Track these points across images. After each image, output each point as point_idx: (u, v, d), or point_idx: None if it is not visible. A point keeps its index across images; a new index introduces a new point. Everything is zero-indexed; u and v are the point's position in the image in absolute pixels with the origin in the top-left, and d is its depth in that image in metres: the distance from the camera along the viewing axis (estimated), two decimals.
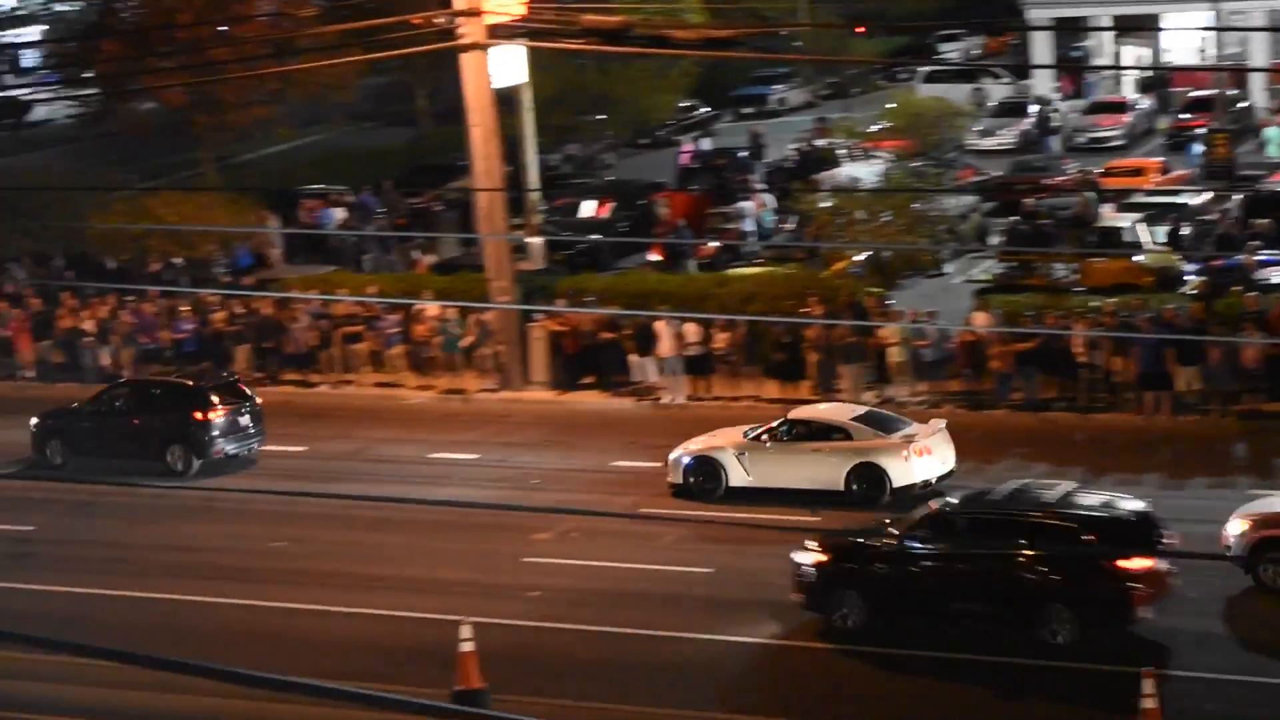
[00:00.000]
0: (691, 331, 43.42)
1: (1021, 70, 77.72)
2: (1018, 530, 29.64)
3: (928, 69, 79.41)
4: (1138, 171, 59.11)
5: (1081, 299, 43.65)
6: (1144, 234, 48.64)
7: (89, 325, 49.11)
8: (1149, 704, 24.52)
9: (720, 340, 43.47)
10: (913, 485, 35.98)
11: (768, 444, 37.20)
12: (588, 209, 57.72)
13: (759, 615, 30.80)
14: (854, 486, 36.21)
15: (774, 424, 37.66)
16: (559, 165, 67.48)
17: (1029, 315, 41.72)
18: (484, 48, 43.82)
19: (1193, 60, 75.19)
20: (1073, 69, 75.94)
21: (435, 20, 43.92)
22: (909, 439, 36.34)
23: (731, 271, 49.61)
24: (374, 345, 47.15)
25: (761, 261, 51.39)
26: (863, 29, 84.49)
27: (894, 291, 46.71)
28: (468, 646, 27.74)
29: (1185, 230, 49.76)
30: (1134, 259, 47.16)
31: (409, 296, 46.53)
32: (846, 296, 44.51)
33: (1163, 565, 29.36)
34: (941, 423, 37.50)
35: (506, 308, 44.33)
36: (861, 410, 38.09)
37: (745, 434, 37.53)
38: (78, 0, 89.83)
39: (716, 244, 52.91)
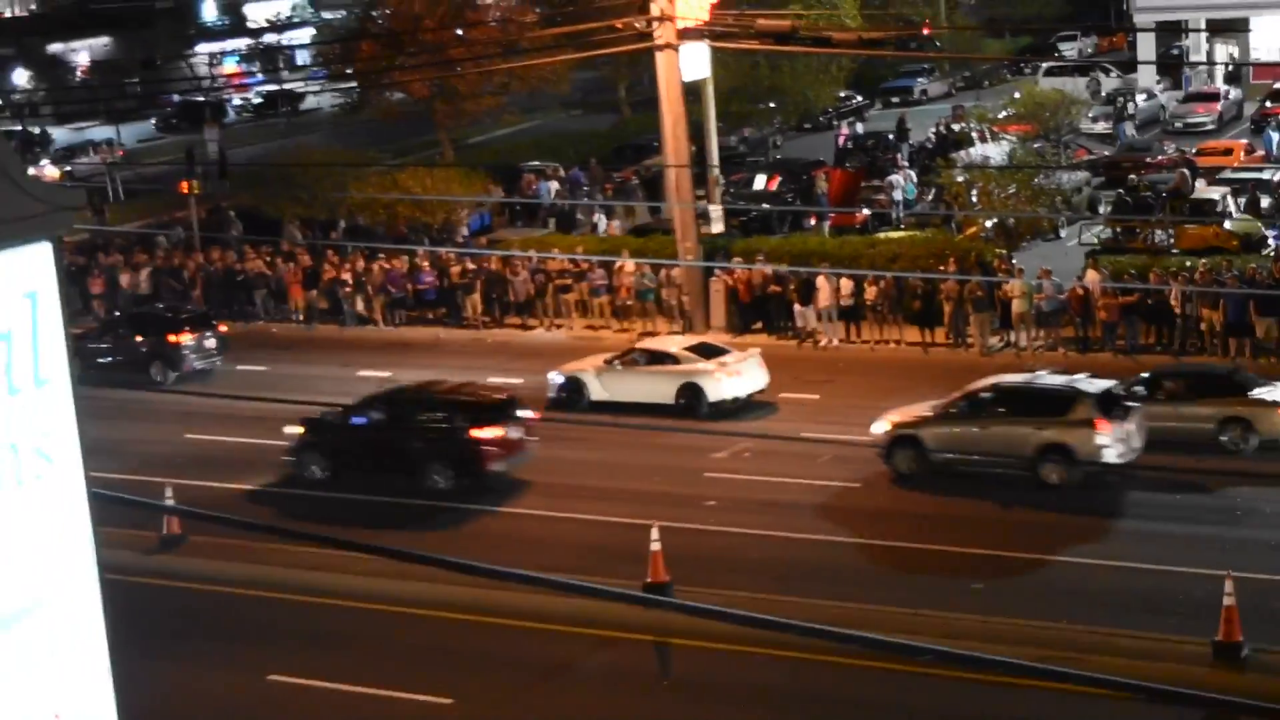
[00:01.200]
0: (846, 285, 43.25)
1: (1128, 65, 76.41)
2: (414, 408, 33.87)
3: (1048, 64, 78.20)
4: (1227, 152, 58.03)
5: (1178, 259, 42.97)
6: (1231, 205, 47.89)
7: (348, 277, 49.70)
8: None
9: (870, 293, 43.23)
10: (723, 401, 37.42)
11: (619, 368, 38.28)
12: (759, 182, 57.48)
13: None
14: (680, 401, 37.52)
15: (624, 352, 38.89)
16: (736, 146, 67.20)
17: (1132, 273, 41.14)
18: (675, 47, 43.77)
19: (1277, 57, 73.55)
20: (1172, 64, 74.56)
21: (634, 25, 44.05)
22: (723, 365, 37.50)
23: (880, 235, 49.32)
24: (581, 295, 47.39)
25: (905, 227, 51.06)
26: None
27: (1017, 252, 46.27)
28: (655, 546, 27.95)
29: (1266, 202, 49.32)
30: (1223, 226, 46.43)
31: (611, 255, 46.77)
32: (976, 256, 44.13)
33: (514, 434, 33.29)
34: (755, 351, 38.73)
35: (692, 265, 44.41)
36: (694, 342, 39.38)
37: (605, 361, 38.70)
38: (341, 8, 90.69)
39: (867, 212, 52.68)
